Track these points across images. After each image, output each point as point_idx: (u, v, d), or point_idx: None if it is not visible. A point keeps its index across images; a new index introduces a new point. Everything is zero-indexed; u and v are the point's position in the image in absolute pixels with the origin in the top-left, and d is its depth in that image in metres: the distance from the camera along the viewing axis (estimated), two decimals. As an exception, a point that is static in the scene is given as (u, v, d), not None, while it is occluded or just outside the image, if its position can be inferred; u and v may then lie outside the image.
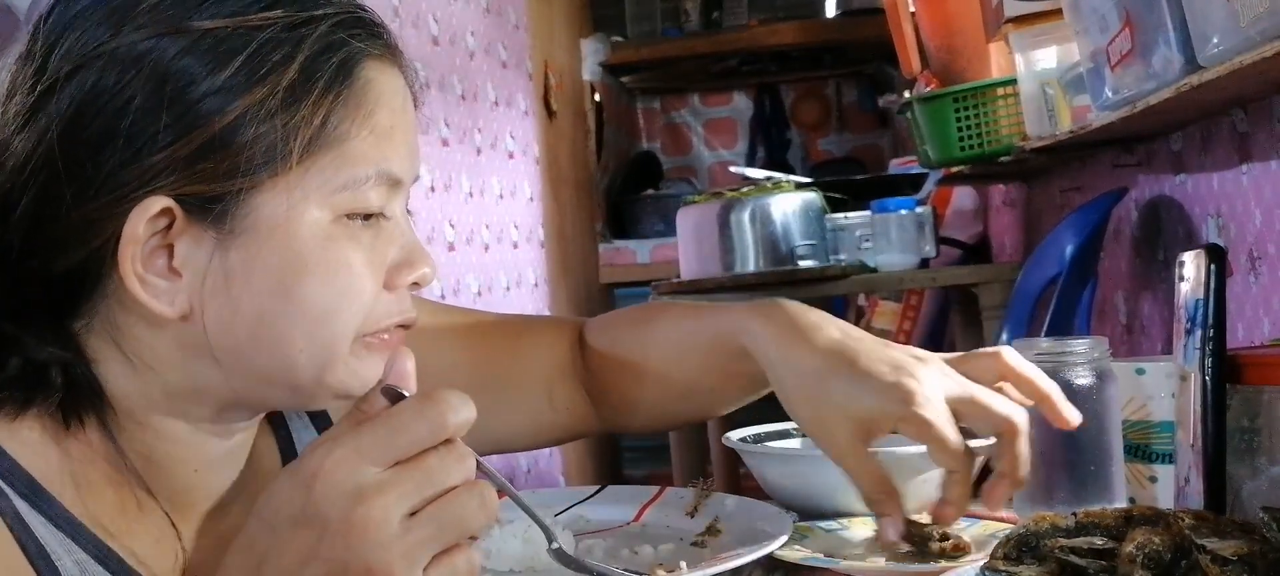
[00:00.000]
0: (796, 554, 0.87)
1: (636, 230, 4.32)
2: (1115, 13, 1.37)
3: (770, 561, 0.85)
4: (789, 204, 2.53)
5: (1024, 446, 0.84)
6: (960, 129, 2.24)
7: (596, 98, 4.42)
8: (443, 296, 2.80)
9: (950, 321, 3.16)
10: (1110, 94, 1.46)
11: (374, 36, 0.75)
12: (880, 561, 0.86)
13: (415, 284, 0.76)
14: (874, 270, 2.55)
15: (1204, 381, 0.84)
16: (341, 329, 0.72)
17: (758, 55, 4.71)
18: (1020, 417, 0.84)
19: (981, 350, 0.89)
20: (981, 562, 0.75)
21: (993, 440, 0.85)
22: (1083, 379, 0.91)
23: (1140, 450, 0.96)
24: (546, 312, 3.66)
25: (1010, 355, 0.87)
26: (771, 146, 4.96)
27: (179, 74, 0.68)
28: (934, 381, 0.84)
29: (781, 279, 2.46)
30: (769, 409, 1.00)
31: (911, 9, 2.77)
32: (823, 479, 0.96)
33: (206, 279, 0.70)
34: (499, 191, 3.38)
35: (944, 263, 2.80)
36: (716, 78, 4.94)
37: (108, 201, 0.68)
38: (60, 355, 0.71)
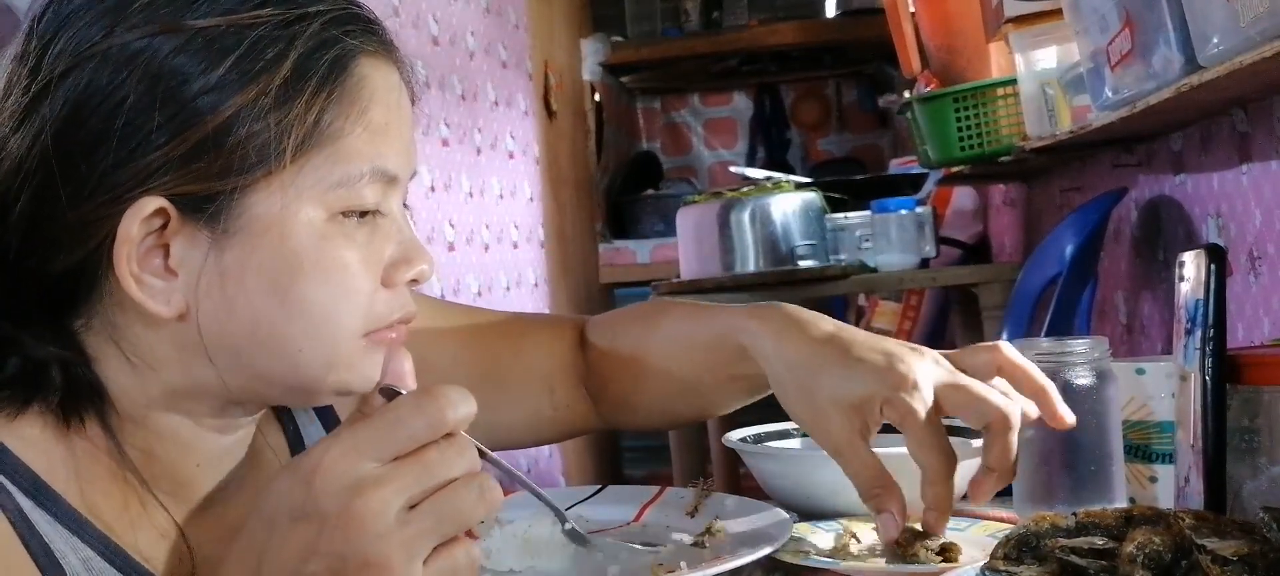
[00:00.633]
0: (796, 554, 0.87)
1: (636, 230, 4.32)
2: (1115, 13, 1.37)
3: (770, 561, 0.85)
4: (789, 204, 2.53)
5: (1013, 439, 0.83)
6: (960, 129, 2.24)
7: (596, 98, 4.42)
8: (443, 296, 2.80)
9: (950, 321, 3.16)
10: (1110, 94, 1.46)
11: (368, 33, 0.75)
12: (880, 562, 0.86)
13: (413, 281, 0.76)
14: (874, 270, 2.55)
15: (1204, 381, 0.84)
16: (344, 329, 0.72)
17: (758, 55, 4.71)
18: (1011, 409, 0.83)
19: (979, 344, 0.89)
20: (981, 563, 0.75)
21: (978, 443, 0.85)
22: (1083, 379, 0.91)
23: (1140, 450, 0.96)
24: (547, 313, 3.66)
25: (1007, 349, 0.87)
26: (771, 146, 4.96)
27: (172, 73, 0.68)
28: (925, 370, 0.84)
29: (781, 279, 2.46)
30: (769, 409, 1.00)
31: (911, 9, 2.77)
32: (823, 479, 0.96)
33: (202, 279, 0.70)
34: (499, 191, 3.38)
35: (944, 263, 2.80)
36: (716, 78, 4.94)
37: (103, 202, 0.68)
38: (59, 354, 0.71)
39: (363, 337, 0.74)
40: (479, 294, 3.13)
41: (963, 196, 3.14)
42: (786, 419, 0.91)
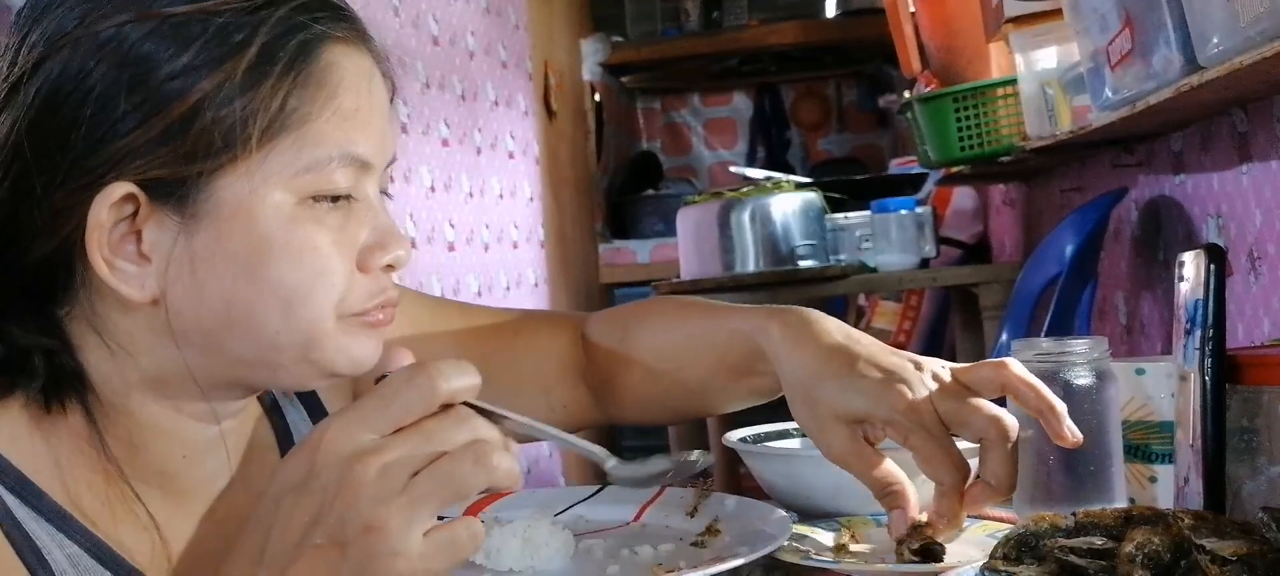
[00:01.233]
0: (796, 554, 0.87)
1: (636, 230, 4.32)
2: (1115, 13, 1.37)
3: (770, 561, 0.85)
4: (789, 204, 2.53)
5: (1010, 451, 0.83)
6: (960, 129, 2.24)
7: (596, 98, 4.42)
8: (442, 296, 2.80)
9: (950, 321, 3.16)
10: (1110, 94, 1.46)
11: (337, 19, 0.75)
12: (880, 562, 0.86)
13: (390, 266, 0.77)
14: (874, 270, 2.55)
15: (1204, 381, 0.84)
16: (317, 310, 0.73)
17: (758, 55, 4.72)
18: (1008, 422, 0.83)
19: (986, 361, 0.89)
20: (981, 562, 0.75)
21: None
22: (1083, 379, 0.91)
23: (1140, 450, 0.96)
24: (545, 310, 3.65)
25: (1015, 366, 0.87)
26: (771, 146, 4.96)
27: (140, 59, 0.69)
28: (924, 388, 0.84)
29: (781, 279, 2.46)
30: (770, 409, 1.00)
31: (911, 9, 2.77)
32: (823, 479, 0.96)
33: (172, 263, 0.71)
34: (499, 191, 3.38)
35: (944, 263, 2.80)
36: (716, 78, 4.94)
37: (74, 188, 0.69)
38: (42, 342, 0.72)
39: (341, 320, 0.74)
40: (479, 294, 3.13)
41: (963, 196, 3.14)
42: (786, 418, 0.91)
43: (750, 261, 2.52)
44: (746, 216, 2.52)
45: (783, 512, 0.92)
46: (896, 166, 3.51)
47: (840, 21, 4.49)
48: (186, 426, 0.77)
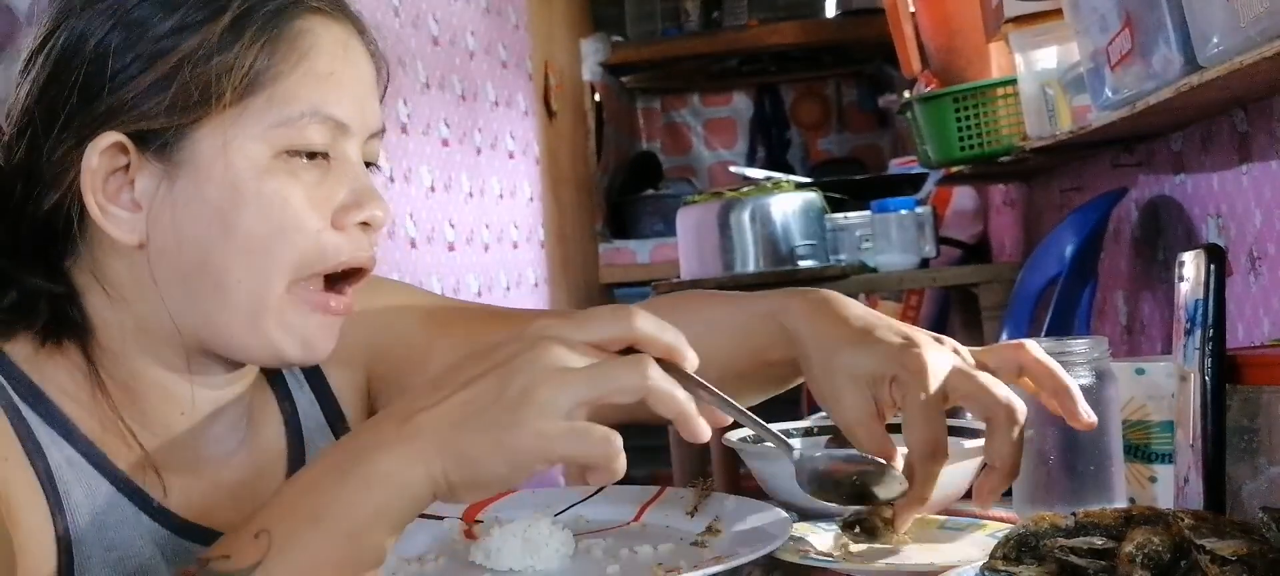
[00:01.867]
0: (796, 554, 0.87)
1: (636, 230, 4.32)
2: (1115, 13, 1.37)
3: (770, 561, 0.85)
4: (789, 204, 2.53)
5: (1016, 435, 0.82)
6: (960, 129, 2.24)
7: (596, 98, 4.42)
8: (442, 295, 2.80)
9: (950, 321, 3.16)
10: (1110, 94, 1.46)
11: None
12: (881, 562, 0.86)
13: (366, 225, 0.81)
14: (874, 270, 2.55)
15: (1204, 381, 0.84)
16: (278, 262, 0.78)
17: (758, 55, 4.72)
18: (1017, 403, 0.83)
19: (1004, 343, 0.89)
20: (981, 562, 0.75)
21: (970, 443, 0.85)
22: (1083, 379, 0.91)
23: (1140, 450, 0.96)
24: (556, 309, 3.65)
25: (1032, 347, 0.87)
26: (771, 146, 4.97)
27: (134, 23, 0.77)
28: (939, 358, 0.83)
29: (781, 279, 2.46)
30: (769, 409, 0.99)
31: (911, 9, 2.77)
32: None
33: (156, 208, 0.78)
34: (499, 191, 3.38)
35: (944, 263, 2.80)
36: (716, 78, 4.94)
37: (73, 143, 0.77)
38: (48, 287, 0.79)
39: (297, 283, 0.79)
40: (479, 294, 3.13)
41: (963, 196, 3.14)
42: (786, 418, 0.91)
43: (750, 261, 2.52)
44: (746, 216, 2.52)
45: (783, 512, 0.92)
46: (896, 166, 3.51)
47: (840, 21, 4.50)
48: (181, 385, 0.83)
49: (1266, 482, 0.82)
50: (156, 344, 0.81)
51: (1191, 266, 0.88)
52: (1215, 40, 1.11)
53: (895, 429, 0.88)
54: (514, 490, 0.99)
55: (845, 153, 4.95)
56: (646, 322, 0.68)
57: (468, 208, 3.10)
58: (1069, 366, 0.92)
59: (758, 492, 1.05)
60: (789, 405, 1.01)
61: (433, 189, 2.85)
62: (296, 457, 0.92)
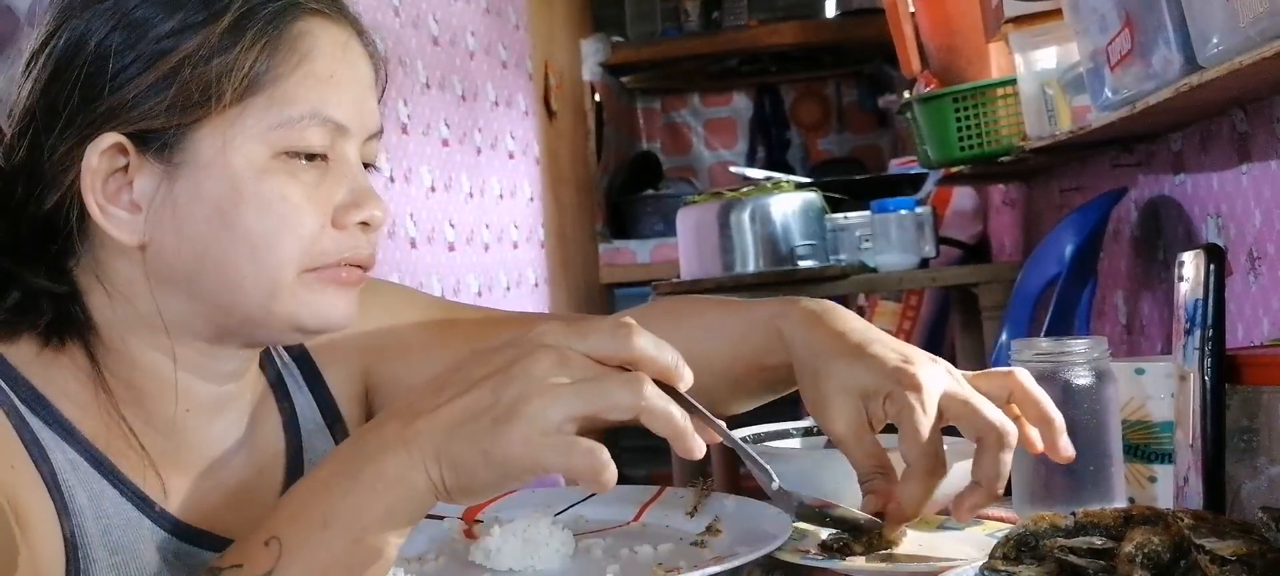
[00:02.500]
0: (796, 554, 0.87)
1: (636, 230, 4.32)
2: (1115, 13, 1.37)
3: (770, 561, 0.85)
4: (789, 204, 2.53)
5: (1005, 459, 0.82)
6: (960, 129, 2.24)
7: (596, 98, 4.42)
8: (443, 296, 2.80)
9: (950, 321, 3.16)
10: (1110, 94, 1.46)
11: None
12: (881, 562, 0.86)
13: (365, 225, 0.82)
14: (874, 270, 2.55)
15: (1203, 381, 0.84)
16: (283, 258, 0.79)
17: (758, 55, 4.72)
18: (1008, 428, 0.83)
19: (996, 369, 0.89)
20: (981, 562, 0.75)
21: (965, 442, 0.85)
22: (1082, 379, 0.91)
23: (1140, 450, 0.96)
24: (555, 313, 3.65)
25: (1022, 376, 0.87)
26: (771, 146, 4.97)
27: (135, 23, 0.77)
28: (934, 377, 0.84)
29: (781, 279, 2.46)
30: (770, 409, 1.00)
31: (911, 9, 2.77)
32: (822, 479, 0.96)
33: (156, 209, 0.78)
34: (499, 191, 3.38)
35: (944, 263, 2.80)
36: (716, 78, 4.94)
37: (74, 142, 0.77)
38: (51, 288, 0.80)
39: (306, 272, 0.80)
40: (479, 294, 3.13)
41: (962, 196, 3.14)
42: (786, 418, 0.91)
43: (750, 261, 2.52)
44: (746, 216, 2.52)
45: (783, 513, 0.92)
46: (896, 166, 3.51)
47: (840, 21, 4.50)
48: (185, 379, 0.83)
49: (1266, 482, 0.82)
50: (158, 342, 0.82)
51: (1191, 266, 0.88)
52: (1215, 40, 1.11)
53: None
54: (514, 489, 0.99)
55: (845, 153, 4.95)
56: (645, 342, 0.69)
57: (468, 208, 3.10)
58: (1068, 366, 0.92)
59: (758, 492, 1.05)
60: (790, 405, 1.01)
61: (433, 189, 2.85)
62: (295, 458, 0.92)
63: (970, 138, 2.23)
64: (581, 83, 4.36)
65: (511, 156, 3.51)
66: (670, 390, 0.69)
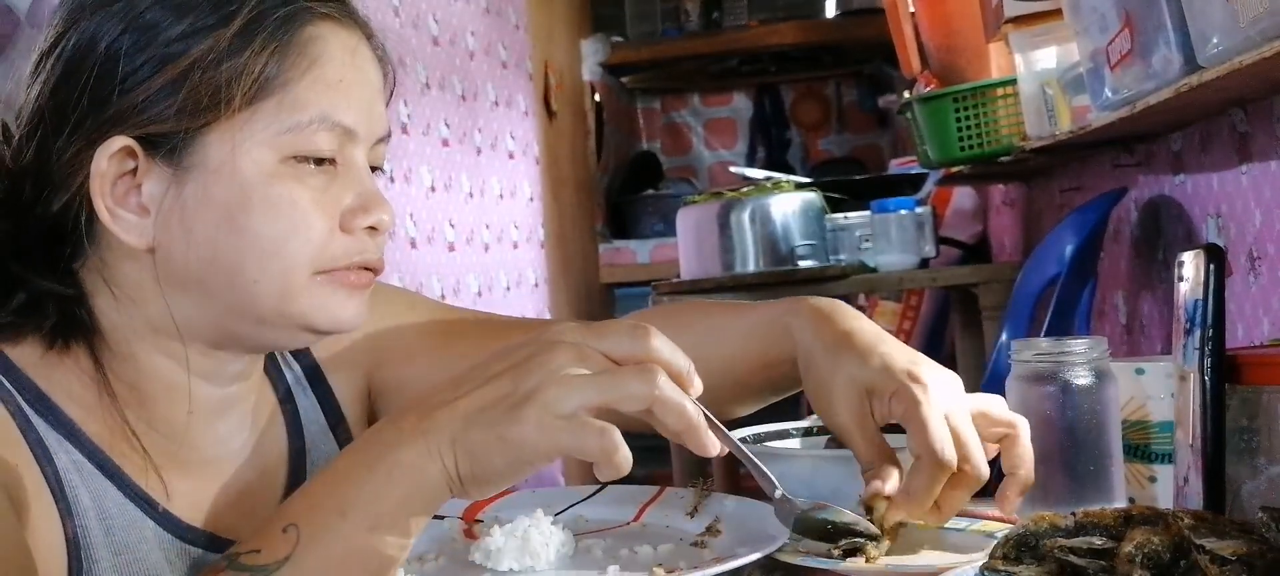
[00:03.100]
0: (796, 554, 0.87)
1: (636, 230, 4.32)
2: (1115, 13, 1.37)
3: (770, 561, 0.85)
4: (789, 204, 2.53)
5: (1027, 445, 0.86)
6: (960, 129, 2.23)
7: (596, 98, 4.42)
8: (443, 296, 2.80)
9: (950, 321, 3.16)
10: (1110, 94, 1.46)
11: None
12: (881, 562, 0.86)
13: (373, 228, 0.82)
14: (874, 270, 2.55)
15: (1203, 381, 0.84)
16: (293, 261, 0.79)
17: (758, 55, 4.72)
18: (1019, 420, 0.86)
19: (1001, 414, 0.89)
20: (981, 562, 0.75)
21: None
22: (1082, 379, 0.91)
23: (1139, 450, 0.96)
24: (546, 315, 3.66)
25: (1023, 435, 0.88)
26: (771, 146, 4.96)
27: (146, 26, 0.77)
28: (942, 385, 0.85)
29: (781, 279, 2.46)
30: (770, 410, 0.99)
31: (911, 9, 2.77)
32: (822, 479, 0.96)
33: (165, 213, 0.78)
34: (499, 191, 3.38)
35: (944, 263, 2.80)
36: (716, 78, 4.94)
37: (83, 144, 0.77)
38: (57, 290, 0.79)
39: (317, 274, 0.80)
40: (479, 294, 3.13)
41: (962, 196, 3.14)
42: (786, 418, 0.92)
43: (750, 261, 2.52)
44: (746, 216, 2.52)
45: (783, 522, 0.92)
46: (896, 166, 3.51)
47: (840, 21, 4.49)
48: (187, 385, 0.83)
49: (1266, 482, 0.82)
50: (164, 345, 0.82)
51: (1191, 266, 0.88)
52: (1215, 40, 1.11)
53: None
54: (514, 489, 0.99)
55: (845, 153, 4.95)
56: (662, 345, 0.70)
57: (468, 208, 3.10)
58: (1068, 366, 0.92)
59: (758, 493, 1.05)
60: (790, 405, 1.01)
61: (433, 189, 2.85)
62: (299, 460, 0.92)
63: (970, 138, 2.23)
64: (581, 83, 4.36)
65: (511, 156, 3.51)
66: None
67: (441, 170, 2.92)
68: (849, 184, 2.90)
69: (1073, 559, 0.70)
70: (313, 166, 0.80)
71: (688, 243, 2.65)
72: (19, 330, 0.80)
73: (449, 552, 0.92)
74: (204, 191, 0.78)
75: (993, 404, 0.88)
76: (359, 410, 0.98)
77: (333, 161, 0.81)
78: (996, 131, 2.21)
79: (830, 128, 5.01)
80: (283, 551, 0.68)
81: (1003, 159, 2.22)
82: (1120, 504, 0.90)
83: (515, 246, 3.49)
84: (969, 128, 2.23)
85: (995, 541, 0.76)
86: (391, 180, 2.59)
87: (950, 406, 0.84)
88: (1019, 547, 0.74)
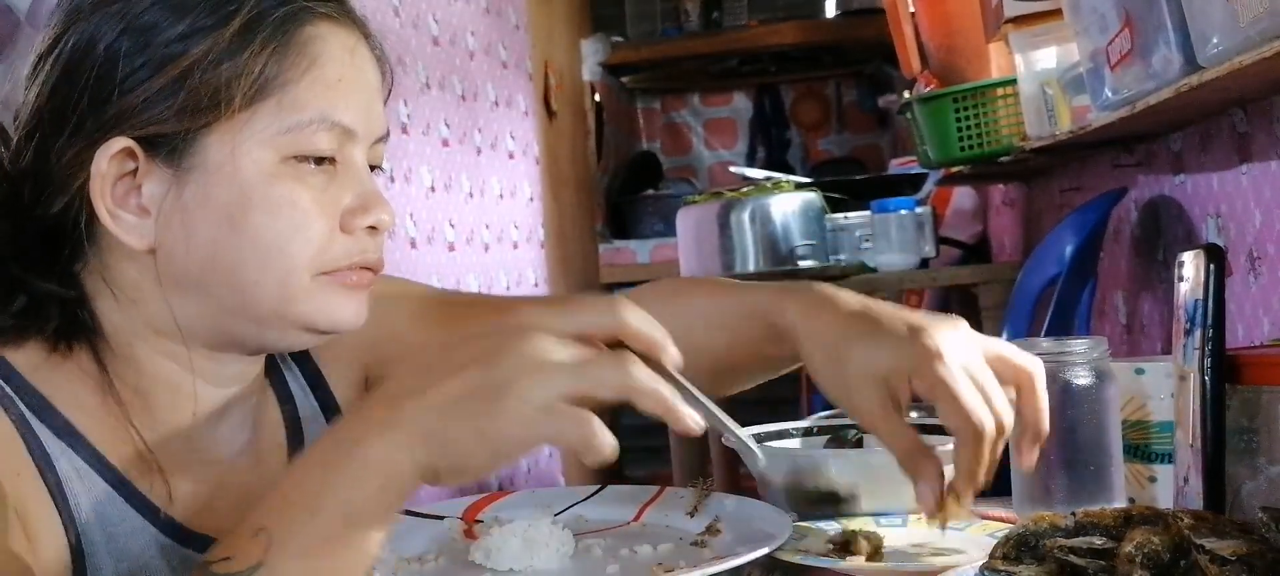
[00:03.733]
0: (796, 554, 0.87)
1: (636, 230, 4.32)
2: (1115, 13, 1.37)
3: (770, 561, 0.85)
4: (789, 204, 2.53)
5: (1043, 393, 0.82)
6: (960, 129, 2.23)
7: (596, 98, 4.42)
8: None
9: (950, 321, 3.15)
10: (1110, 94, 1.46)
11: None
12: (880, 562, 0.86)
13: (373, 228, 0.82)
14: (874, 270, 2.55)
15: (1203, 381, 0.84)
16: (294, 262, 0.79)
17: (758, 55, 4.71)
18: (1036, 363, 0.82)
19: (1016, 356, 0.87)
20: (981, 562, 0.75)
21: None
22: (1082, 379, 0.91)
23: (1140, 450, 0.96)
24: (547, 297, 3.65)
25: (1038, 378, 0.84)
26: (771, 146, 4.96)
27: (144, 27, 0.77)
28: (953, 341, 0.81)
29: (781, 279, 2.46)
30: (770, 410, 0.99)
31: (911, 9, 2.77)
32: (819, 477, 0.96)
33: (165, 213, 0.78)
34: (499, 191, 3.38)
35: (944, 263, 2.80)
36: (716, 78, 4.94)
37: (83, 146, 0.77)
38: (58, 292, 0.79)
39: (317, 275, 0.80)
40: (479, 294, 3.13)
41: (962, 196, 3.14)
42: (785, 418, 0.91)
43: (750, 261, 2.52)
44: (746, 216, 2.52)
45: (783, 512, 0.92)
46: (896, 166, 3.51)
47: (840, 21, 4.49)
48: (189, 385, 0.83)
49: (1266, 482, 0.82)
50: (166, 346, 0.82)
51: (1191, 266, 0.88)
52: (1215, 40, 1.11)
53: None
54: (514, 489, 0.99)
55: (845, 153, 4.95)
56: (633, 316, 0.69)
57: (468, 208, 3.10)
58: (1068, 366, 0.92)
59: (758, 492, 1.05)
60: (790, 405, 1.01)
61: (433, 189, 2.85)
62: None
63: (970, 138, 2.23)
64: (581, 83, 4.36)
65: (511, 156, 3.51)
66: (657, 367, 0.69)
67: (441, 170, 2.92)
68: (849, 184, 2.90)
69: (1073, 559, 0.70)
70: (312, 166, 0.80)
71: (688, 243, 2.65)
72: (20, 334, 0.79)
73: (449, 552, 0.92)
74: (204, 192, 0.78)
75: (1006, 347, 0.84)
76: (355, 402, 0.98)
77: (332, 161, 0.81)
78: (996, 131, 2.21)
79: (830, 128, 5.01)
80: (255, 556, 0.66)
81: (1003, 159, 2.22)
82: (1120, 504, 0.90)
83: (515, 246, 3.49)
84: (969, 128, 2.23)
85: (995, 541, 0.76)
86: (391, 180, 2.59)
87: (968, 359, 0.81)
88: (1019, 547, 0.74)
